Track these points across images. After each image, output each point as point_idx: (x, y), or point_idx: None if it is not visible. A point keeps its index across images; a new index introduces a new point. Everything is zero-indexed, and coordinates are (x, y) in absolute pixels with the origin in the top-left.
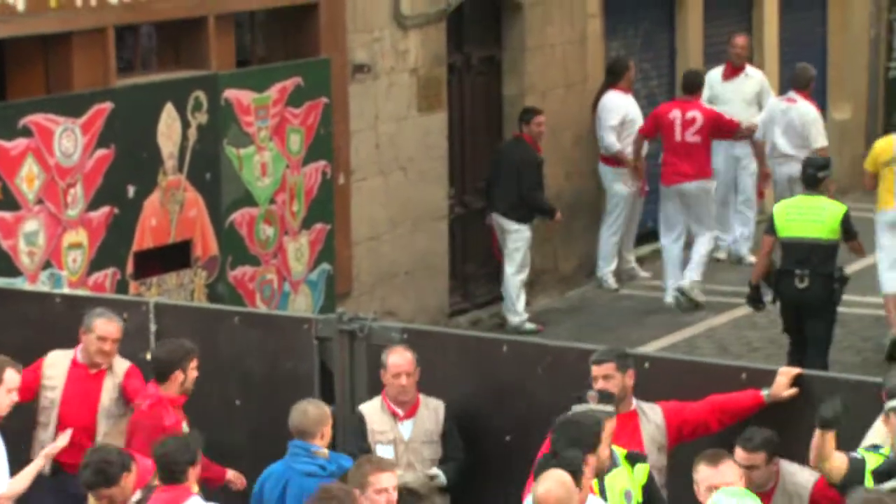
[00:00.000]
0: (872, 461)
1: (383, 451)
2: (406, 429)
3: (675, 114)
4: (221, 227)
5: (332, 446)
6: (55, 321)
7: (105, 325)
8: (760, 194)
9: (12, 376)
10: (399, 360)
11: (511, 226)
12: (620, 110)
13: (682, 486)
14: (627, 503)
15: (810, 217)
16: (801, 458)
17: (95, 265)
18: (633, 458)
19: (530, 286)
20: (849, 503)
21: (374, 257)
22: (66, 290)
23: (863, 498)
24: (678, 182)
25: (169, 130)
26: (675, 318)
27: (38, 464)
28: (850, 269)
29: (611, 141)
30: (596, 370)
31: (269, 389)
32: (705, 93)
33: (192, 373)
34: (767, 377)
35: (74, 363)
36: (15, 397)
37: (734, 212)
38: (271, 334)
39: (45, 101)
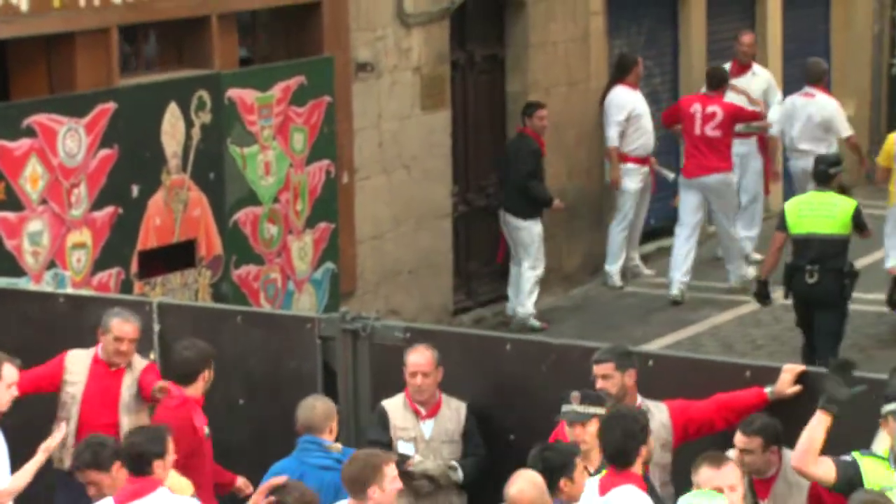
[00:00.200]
0: (869, 464)
1: (404, 448)
2: (427, 428)
3: (696, 107)
4: (225, 226)
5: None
6: (59, 321)
7: (121, 326)
8: (766, 191)
9: (11, 371)
10: (417, 358)
11: (520, 223)
12: (627, 106)
13: (688, 483)
14: None
15: (821, 213)
16: None
17: (99, 265)
18: None
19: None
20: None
21: (377, 256)
22: (69, 290)
23: (862, 499)
24: (699, 175)
25: (172, 130)
26: (680, 316)
27: (39, 459)
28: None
29: (611, 135)
30: (595, 369)
31: (273, 389)
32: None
33: (212, 374)
34: (772, 375)
35: (96, 360)
36: (15, 392)
37: (739, 211)
38: (274, 334)
39: (48, 102)
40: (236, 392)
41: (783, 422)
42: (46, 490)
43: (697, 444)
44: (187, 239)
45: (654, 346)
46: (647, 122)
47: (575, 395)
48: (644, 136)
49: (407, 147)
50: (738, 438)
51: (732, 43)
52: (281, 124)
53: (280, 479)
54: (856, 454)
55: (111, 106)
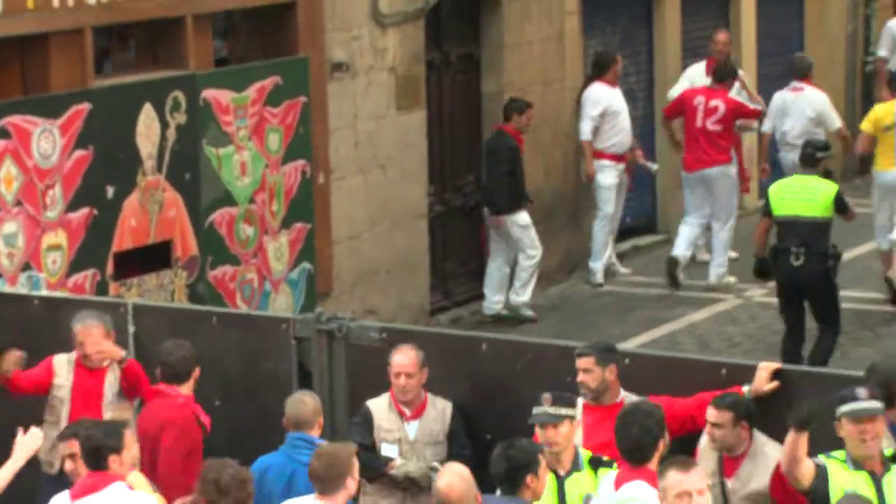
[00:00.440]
0: (833, 466)
1: (387, 450)
2: (412, 429)
3: (699, 100)
4: (201, 227)
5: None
6: (34, 323)
7: (83, 332)
8: (746, 189)
9: None
10: (401, 359)
11: (505, 217)
12: (603, 102)
13: None
14: None
15: (803, 196)
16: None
17: (75, 266)
18: (597, 463)
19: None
20: None
21: (354, 256)
22: (44, 293)
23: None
24: (699, 168)
25: (148, 131)
26: (656, 315)
27: (18, 461)
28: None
29: (584, 129)
30: (577, 363)
31: (249, 390)
32: (683, 86)
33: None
34: (747, 372)
35: (77, 363)
36: None
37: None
38: (250, 335)
39: (22, 103)
40: (212, 393)
41: (758, 418)
42: (30, 493)
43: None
44: (163, 240)
45: (631, 344)
46: (624, 120)
47: (546, 396)
48: (621, 134)
49: (383, 147)
50: (710, 413)
51: (707, 42)
52: (256, 125)
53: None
54: (822, 458)
55: (86, 107)
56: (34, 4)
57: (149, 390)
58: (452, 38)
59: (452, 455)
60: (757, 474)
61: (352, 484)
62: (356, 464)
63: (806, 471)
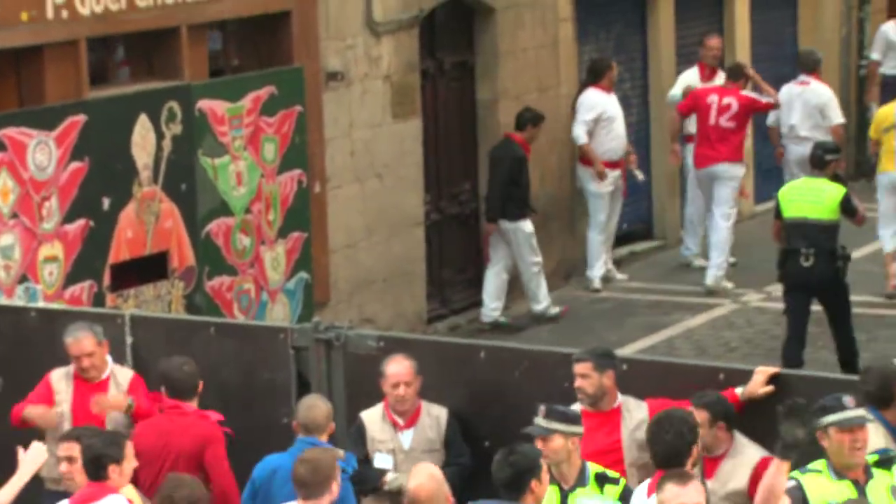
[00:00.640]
0: (810, 481)
1: (381, 460)
2: (406, 438)
3: (713, 98)
4: (198, 237)
5: None
6: (31, 335)
7: (75, 345)
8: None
9: None
10: (397, 369)
11: (508, 224)
12: (597, 107)
13: None
14: None
15: (810, 198)
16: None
17: (71, 278)
18: (604, 480)
19: (509, 289)
20: None
21: (351, 265)
22: (41, 304)
23: None
24: (706, 165)
25: (143, 142)
26: (654, 320)
27: (24, 476)
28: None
29: (578, 134)
30: (574, 368)
31: (246, 400)
32: (677, 91)
33: None
34: (746, 377)
35: (76, 377)
36: None
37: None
38: (247, 344)
39: (17, 115)
40: (210, 403)
41: (755, 422)
42: None
43: None
44: (159, 251)
45: (629, 350)
46: (619, 126)
47: (542, 408)
48: (616, 140)
49: (378, 156)
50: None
51: (700, 47)
52: (252, 134)
53: None
54: (796, 475)
55: (81, 118)
56: (28, 17)
57: (154, 408)
58: (447, 46)
59: (450, 463)
60: (736, 474)
61: (335, 488)
62: (339, 468)
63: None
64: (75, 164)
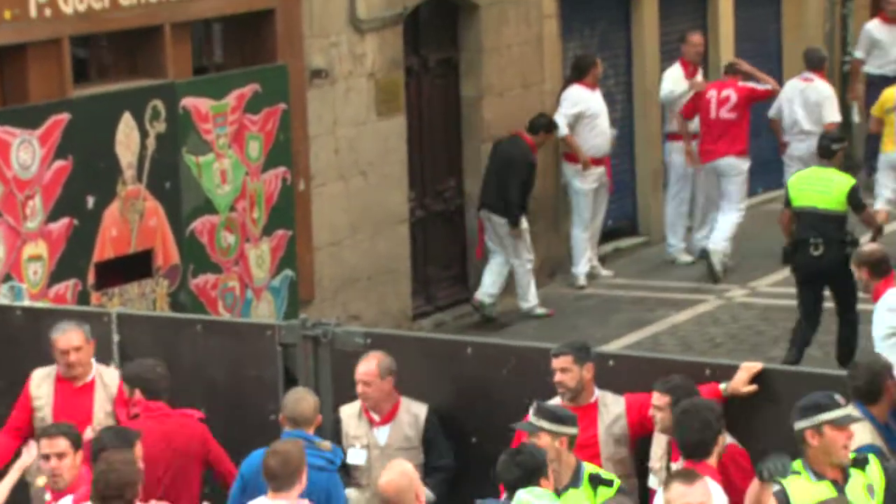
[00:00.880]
0: (793, 485)
1: (356, 456)
2: (382, 434)
3: (712, 93)
4: (182, 235)
5: None
6: (16, 334)
7: (63, 339)
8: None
9: None
10: (362, 367)
11: (501, 220)
12: (580, 103)
13: None
14: None
15: (818, 188)
16: (760, 452)
17: (56, 277)
18: (597, 481)
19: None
20: None
21: (335, 262)
22: (26, 303)
23: None
24: (710, 159)
25: (127, 140)
26: (639, 316)
27: (13, 477)
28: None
29: (560, 125)
30: (554, 363)
31: (234, 397)
32: (665, 89)
33: None
34: (730, 373)
35: (59, 379)
36: None
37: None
38: (234, 342)
39: (1, 114)
40: (197, 401)
41: (739, 417)
42: None
43: None
44: (144, 249)
45: (615, 346)
46: (603, 122)
47: (533, 405)
48: (600, 137)
49: (363, 153)
50: (655, 395)
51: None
52: (236, 132)
53: None
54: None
55: (65, 117)
56: (11, 15)
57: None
58: (431, 43)
59: (432, 465)
60: None
61: (304, 478)
62: (306, 458)
63: None
64: (59, 163)
